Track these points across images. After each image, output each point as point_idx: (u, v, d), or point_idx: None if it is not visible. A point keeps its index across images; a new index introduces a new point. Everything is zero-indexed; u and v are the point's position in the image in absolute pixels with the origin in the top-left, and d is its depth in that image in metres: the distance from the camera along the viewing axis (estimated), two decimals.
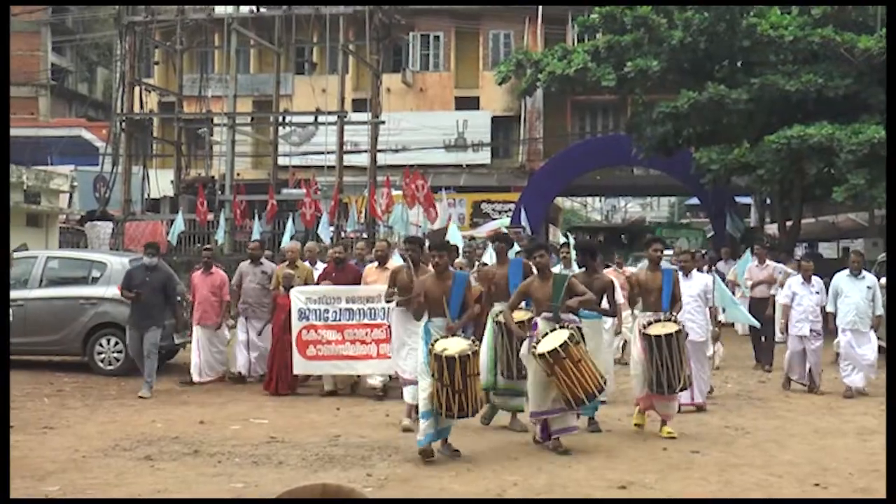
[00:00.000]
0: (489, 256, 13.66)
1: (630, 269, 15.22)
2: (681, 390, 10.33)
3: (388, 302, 10.93)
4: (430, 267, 11.10)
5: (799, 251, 27.81)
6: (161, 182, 29.43)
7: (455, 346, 8.84)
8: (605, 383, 9.47)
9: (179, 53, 28.95)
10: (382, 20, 26.95)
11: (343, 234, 23.82)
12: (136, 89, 27.47)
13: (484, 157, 38.86)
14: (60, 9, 46.22)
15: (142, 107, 28.03)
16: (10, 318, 10.56)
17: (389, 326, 11.83)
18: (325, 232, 22.69)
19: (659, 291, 10.30)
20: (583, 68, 22.20)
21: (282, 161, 29.68)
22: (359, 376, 13.08)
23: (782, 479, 8.31)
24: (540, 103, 37.51)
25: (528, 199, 31.08)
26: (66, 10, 46.48)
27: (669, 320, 10.16)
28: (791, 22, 21.07)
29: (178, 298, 13.86)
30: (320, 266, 14.39)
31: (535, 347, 9.06)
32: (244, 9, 29.21)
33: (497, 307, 10.48)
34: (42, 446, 9.46)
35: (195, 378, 13.70)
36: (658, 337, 9.93)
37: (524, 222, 27.07)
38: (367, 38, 27.12)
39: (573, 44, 28.44)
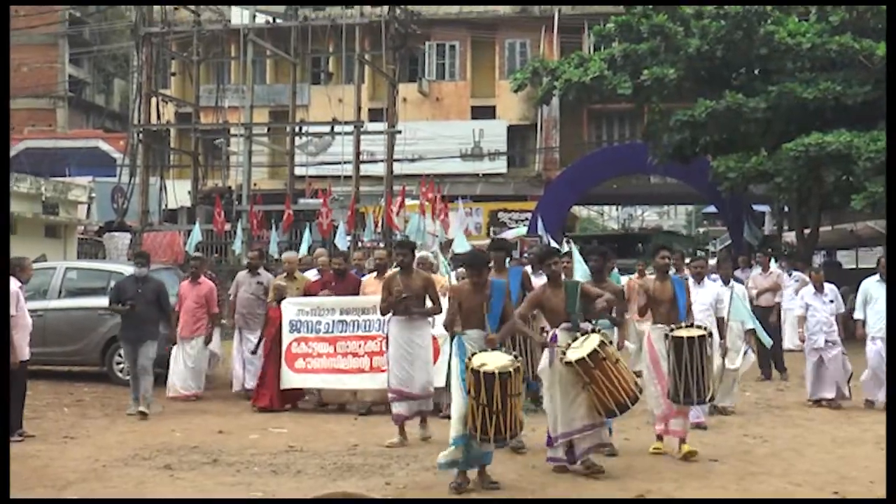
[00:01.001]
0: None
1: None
2: (710, 400, 9.95)
3: (383, 314, 10.52)
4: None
5: (817, 259, 27.70)
6: (178, 192, 29.55)
7: (495, 361, 8.14)
8: (638, 391, 8.74)
9: (196, 64, 29.02)
10: (398, 30, 26.99)
11: (360, 244, 23.84)
12: (153, 100, 27.52)
13: (500, 166, 38.91)
14: (78, 21, 46.54)
15: (159, 118, 28.09)
16: (30, 328, 10.54)
17: (385, 338, 11.31)
18: (343, 242, 22.72)
19: (671, 302, 9.73)
20: (599, 76, 22.21)
21: (298, 171, 29.73)
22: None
23: (801, 488, 8.28)
24: (556, 112, 37.53)
25: (544, 208, 31.06)
26: (83, 22, 46.80)
27: (690, 326, 9.53)
28: (809, 29, 21.03)
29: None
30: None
31: (563, 356, 8.48)
32: (260, 19, 29.32)
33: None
34: (63, 456, 9.50)
35: (168, 393, 13.08)
36: (690, 339, 9.29)
37: (541, 231, 27.05)
38: (384, 48, 27.15)
39: (589, 52, 28.45)
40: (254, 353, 12.98)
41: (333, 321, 12.31)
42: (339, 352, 12.24)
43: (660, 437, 9.75)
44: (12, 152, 39.46)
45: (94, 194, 33.26)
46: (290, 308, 12.50)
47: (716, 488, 8.23)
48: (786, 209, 31.05)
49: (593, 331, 8.65)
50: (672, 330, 9.44)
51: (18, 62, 44.39)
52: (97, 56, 48.09)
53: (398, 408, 10.15)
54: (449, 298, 9.28)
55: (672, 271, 10.89)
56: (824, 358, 12.82)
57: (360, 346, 12.18)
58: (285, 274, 13.42)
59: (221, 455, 9.53)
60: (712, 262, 17.84)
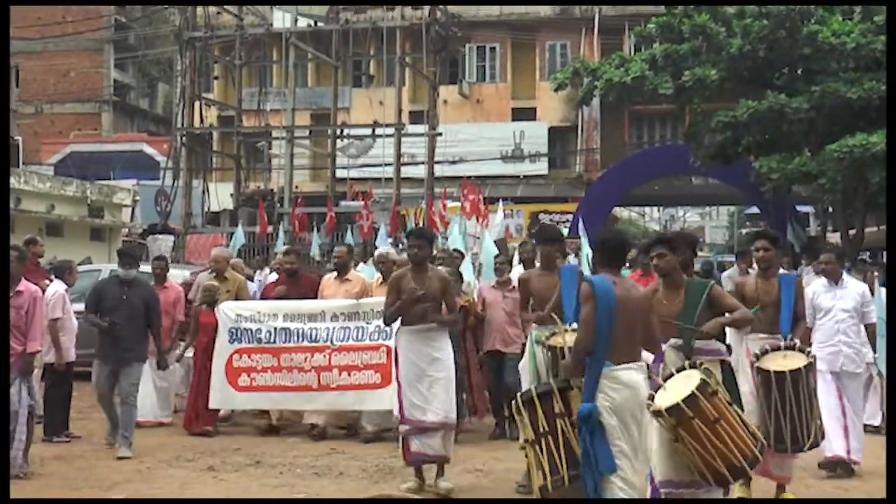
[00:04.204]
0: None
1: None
2: (811, 447, 7.57)
3: (389, 321, 8.63)
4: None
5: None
6: (221, 195, 29.78)
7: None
8: (759, 449, 6.36)
9: (238, 68, 29.27)
10: (439, 32, 27.03)
11: (401, 247, 23.90)
12: (196, 104, 27.81)
13: (541, 167, 38.83)
14: (123, 26, 47.07)
15: (202, 121, 28.36)
16: (76, 331, 10.66)
17: (333, 351, 10.38)
18: (384, 244, 22.77)
19: (775, 306, 7.76)
20: (640, 76, 22.08)
21: (340, 173, 29.85)
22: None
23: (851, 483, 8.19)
24: (597, 113, 37.39)
25: (586, 209, 30.91)
26: (128, 27, 47.32)
27: (791, 348, 7.50)
28: (853, 29, 20.79)
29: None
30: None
31: (650, 401, 6.15)
32: (302, 23, 29.52)
33: (543, 331, 7.71)
34: (108, 457, 9.61)
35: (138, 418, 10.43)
36: (780, 374, 7.27)
37: (582, 233, 26.96)
38: (424, 51, 27.21)
39: (630, 53, 28.31)
40: (164, 367, 11.00)
41: (275, 329, 10.65)
42: (284, 365, 10.58)
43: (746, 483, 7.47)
44: (59, 156, 40.11)
45: (138, 197, 33.65)
46: (228, 314, 10.85)
47: (763, 485, 8.14)
48: (830, 210, 30.74)
49: (693, 364, 6.40)
50: (758, 357, 7.46)
51: (66, 67, 45.08)
52: (141, 60, 48.58)
53: (416, 445, 8.23)
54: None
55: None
56: (873, 373, 10.54)
57: (305, 359, 10.53)
58: (214, 274, 11.74)
59: (264, 457, 9.60)
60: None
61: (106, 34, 45.89)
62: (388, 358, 9.91)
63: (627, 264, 10.39)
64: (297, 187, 29.09)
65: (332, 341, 10.42)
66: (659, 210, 58.72)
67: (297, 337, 10.58)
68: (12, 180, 24.26)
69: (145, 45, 47.30)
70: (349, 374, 10.39)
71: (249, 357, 10.67)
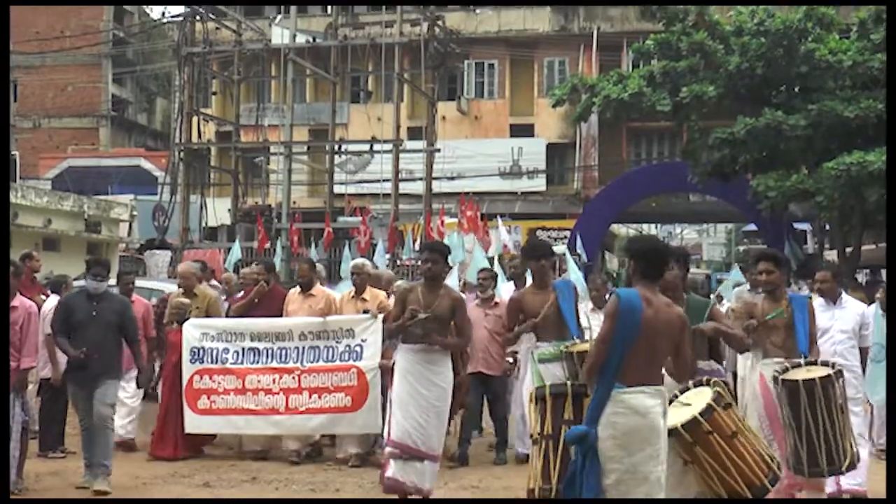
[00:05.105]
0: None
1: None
2: (849, 468, 6.86)
3: (388, 336, 8.56)
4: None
5: (860, 278, 27.34)
6: (218, 210, 29.77)
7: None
8: (778, 468, 6.04)
9: (236, 83, 29.32)
10: (437, 48, 27.09)
11: (399, 262, 23.89)
12: (194, 119, 27.85)
13: (539, 184, 38.89)
14: (121, 41, 47.19)
15: (199, 136, 28.39)
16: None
17: (302, 373, 9.85)
18: (382, 260, 22.75)
19: (788, 329, 7.18)
20: (638, 93, 22.14)
21: (338, 189, 29.88)
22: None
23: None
24: (595, 130, 37.47)
25: (583, 226, 30.98)
26: (126, 42, 47.44)
27: (813, 363, 6.94)
28: (850, 47, 20.87)
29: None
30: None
31: None
32: (300, 39, 29.59)
33: (546, 348, 8.03)
34: None
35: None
36: (810, 382, 6.65)
37: (580, 250, 26.98)
38: (423, 67, 27.29)
39: (628, 70, 28.39)
40: (154, 388, 10.82)
41: (243, 349, 10.15)
42: (249, 388, 10.04)
43: None
44: (56, 171, 40.12)
45: (135, 212, 33.61)
46: (192, 332, 10.33)
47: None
48: (827, 227, 30.76)
49: (708, 381, 6.11)
50: (784, 371, 6.87)
51: (64, 82, 45.19)
52: (140, 75, 48.71)
53: (397, 471, 7.71)
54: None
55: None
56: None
57: (273, 380, 10.00)
58: (182, 291, 11.03)
59: (260, 473, 9.55)
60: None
61: (104, 49, 46.03)
62: (359, 380, 9.71)
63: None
64: (294, 203, 29.11)
65: (302, 362, 9.94)
66: (657, 227, 58.75)
67: (267, 357, 10.08)
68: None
69: (143, 60, 47.44)
70: (319, 397, 9.88)
71: (211, 378, 10.17)
